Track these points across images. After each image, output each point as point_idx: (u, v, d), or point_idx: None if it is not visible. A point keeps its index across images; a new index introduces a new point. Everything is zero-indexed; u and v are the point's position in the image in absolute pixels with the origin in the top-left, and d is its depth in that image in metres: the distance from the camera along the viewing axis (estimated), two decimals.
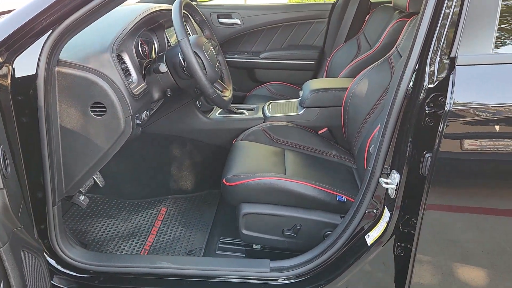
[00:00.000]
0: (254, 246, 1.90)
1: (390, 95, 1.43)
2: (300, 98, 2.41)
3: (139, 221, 2.19)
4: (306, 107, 2.31)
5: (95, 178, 1.91)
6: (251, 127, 2.27)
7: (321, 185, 1.79)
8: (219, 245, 1.94)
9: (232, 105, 2.43)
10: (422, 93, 1.29)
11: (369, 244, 1.51)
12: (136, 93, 1.63)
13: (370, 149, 1.64)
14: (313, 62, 3.21)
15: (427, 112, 1.28)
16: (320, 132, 2.31)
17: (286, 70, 3.24)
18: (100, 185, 1.93)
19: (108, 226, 2.14)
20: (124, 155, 2.32)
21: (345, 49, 2.95)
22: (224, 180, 1.84)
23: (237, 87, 3.28)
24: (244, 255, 1.90)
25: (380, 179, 1.45)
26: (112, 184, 2.33)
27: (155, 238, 2.05)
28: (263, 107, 2.45)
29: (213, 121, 2.34)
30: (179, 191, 2.38)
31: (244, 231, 1.79)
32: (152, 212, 2.25)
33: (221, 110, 2.45)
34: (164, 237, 2.06)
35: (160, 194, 2.37)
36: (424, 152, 1.31)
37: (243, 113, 2.41)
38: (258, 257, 1.74)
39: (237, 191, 1.77)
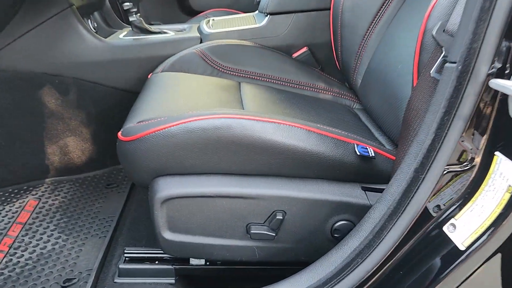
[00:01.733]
0: (193, 262, 0.96)
1: None
2: (259, 6, 1.48)
3: None
4: (271, 14, 1.38)
5: None
6: (179, 52, 1.32)
7: (321, 127, 0.88)
8: (122, 266, 0.98)
9: (149, 25, 1.46)
10: None
11: (462, 247, 0.62)
12: None
13: (434, 32, 0.74)
14: None
15: None
16: (296, 54, 1.40)
17: None
18: None
19: None
20: None
21: None
22: (119, 133, 0.89)
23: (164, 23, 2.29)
24: (171, 283, 0.96)
25: (493, 81, 0.56)
26: None
27: (3, 260, 1.07)
28: (199, 25, 1.50)
29: (114, 45, 1.36)
30: (61, 170, 1.39)
31: (167, 235, 0.86)
32: (10, 211, 1.25)
33: (129, 30, 1.48)
34: (23, 256, 1.08)
35: (28, 178, 1.37)
36: None
37: (166, 33, 1.44)
38: (201, 286, 0.83)
39: (145, 150, 0.83)
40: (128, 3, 1.37)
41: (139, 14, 1.41)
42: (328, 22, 1.34)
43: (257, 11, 1.49)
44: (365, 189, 0.87)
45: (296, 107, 1.10)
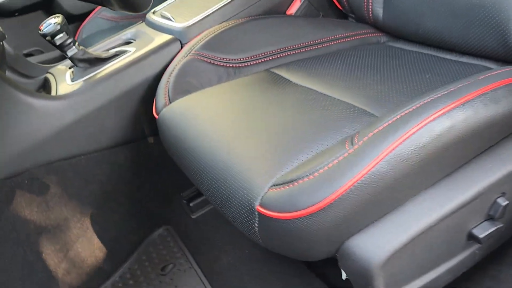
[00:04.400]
0: None
1: None
2: None
3: None
4: None
5: None
6: (165, 71, 0.98)
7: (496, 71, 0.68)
8: None
9: (90, 50, 1.04)
10: None
11: None
12: None
13: None
14: None
15: None
16: (291, 10, 1.14)
17: None
18: None
19: None
20: None
21: None
22: (260, 207, 0.59)
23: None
24: None
25: None
26: None
27: None
28: (147, 23, 1.13)
29: (76, 98, 0.95)
30: (85, 283, 1.00)
31: None
32: None
33: (72, 69, 1.05)
34: None
35: None
36: None
37: (125, 52, 1.05)
38: None
39: (338, 215, 0.55)
40: (60, 35, 0.94)
41: (77, 44, 0.99)
42: None
43: None
44: None
45: (389, 68, 0.89)
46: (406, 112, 0.57)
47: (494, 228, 0.66)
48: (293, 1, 1.13)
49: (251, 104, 0.83)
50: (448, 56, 0.98)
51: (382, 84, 0.81)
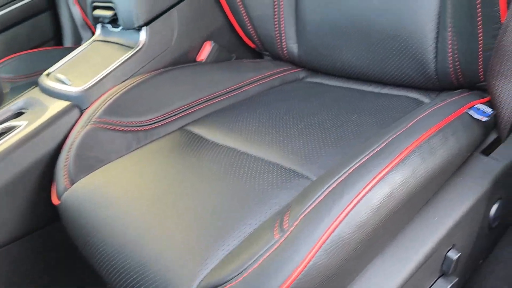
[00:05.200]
0: None
1: None
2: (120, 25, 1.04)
3: None
4: (148, 24, 0.97)
5: None
6: (63, 145, 0.84)
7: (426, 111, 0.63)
8: None
9: None
10: None
11: None
12: None
13: None
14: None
15: None
16: (201, 56, 1.05)
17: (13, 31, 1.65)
18: None
19: None
20: None
21: None
22: None
23: None
24: None
25: None
26: None
27: None
28: (40, 84, 0.99)
29: None
30: None
31: None
32: None
33: None
34: None
35: None
36: None
37: (14, 127, 0.90)
38: None
39: None
40: None
41: None
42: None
43: (119, 31, 1.05)
44: (486, 153, 0.68)
45: (312, 112, 0.82)
46: (339, 182, 0.49)
47: (450, 285, 0.60)
48: (203, 47, 1.04)
49: (165, 177, 0.72)
50: (370, 88, 0.94)
51: (307, 134, 0.74)
